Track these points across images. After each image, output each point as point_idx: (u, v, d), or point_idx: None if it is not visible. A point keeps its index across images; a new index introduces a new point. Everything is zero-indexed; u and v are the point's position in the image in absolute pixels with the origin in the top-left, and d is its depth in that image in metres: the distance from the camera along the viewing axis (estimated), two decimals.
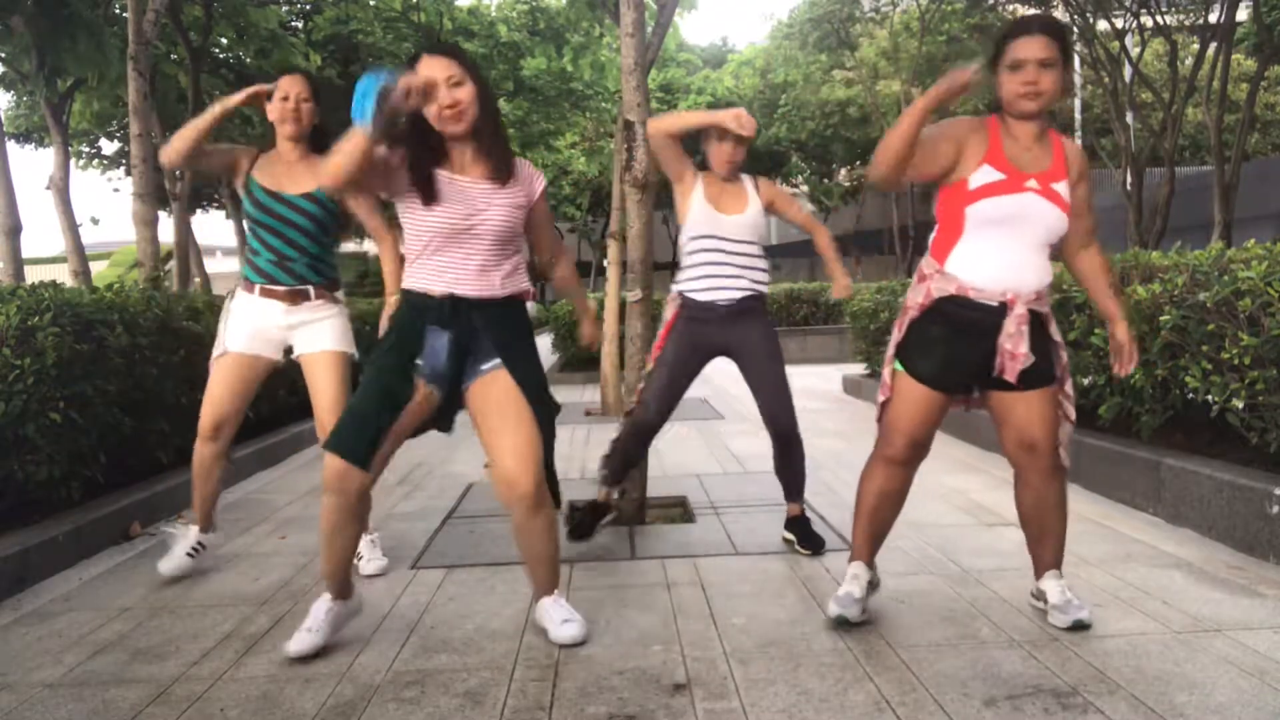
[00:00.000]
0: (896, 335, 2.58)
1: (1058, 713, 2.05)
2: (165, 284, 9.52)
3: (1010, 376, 2.45)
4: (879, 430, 2.63)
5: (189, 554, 3.32)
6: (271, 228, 3.20)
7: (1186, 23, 18.19)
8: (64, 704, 2.26)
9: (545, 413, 2.53)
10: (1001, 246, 2.43)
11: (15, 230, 11.84)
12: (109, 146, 23.03)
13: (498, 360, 2.49)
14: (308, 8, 17.64)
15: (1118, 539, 3.45)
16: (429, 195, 2.41)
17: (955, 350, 2.48)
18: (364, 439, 2.40)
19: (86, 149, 23.05)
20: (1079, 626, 2.50)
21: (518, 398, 2.48)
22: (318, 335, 3.26)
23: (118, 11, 13.39)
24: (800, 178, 34.01)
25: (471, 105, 2.41)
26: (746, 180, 3.53)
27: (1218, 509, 3.35)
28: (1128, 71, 16.14)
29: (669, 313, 3.50)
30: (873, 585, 2.68)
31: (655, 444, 3.65)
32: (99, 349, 3.92)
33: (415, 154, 2.43)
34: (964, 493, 4.32)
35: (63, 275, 8.34)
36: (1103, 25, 16.20)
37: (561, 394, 9.28)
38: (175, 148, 3.08)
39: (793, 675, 2.29)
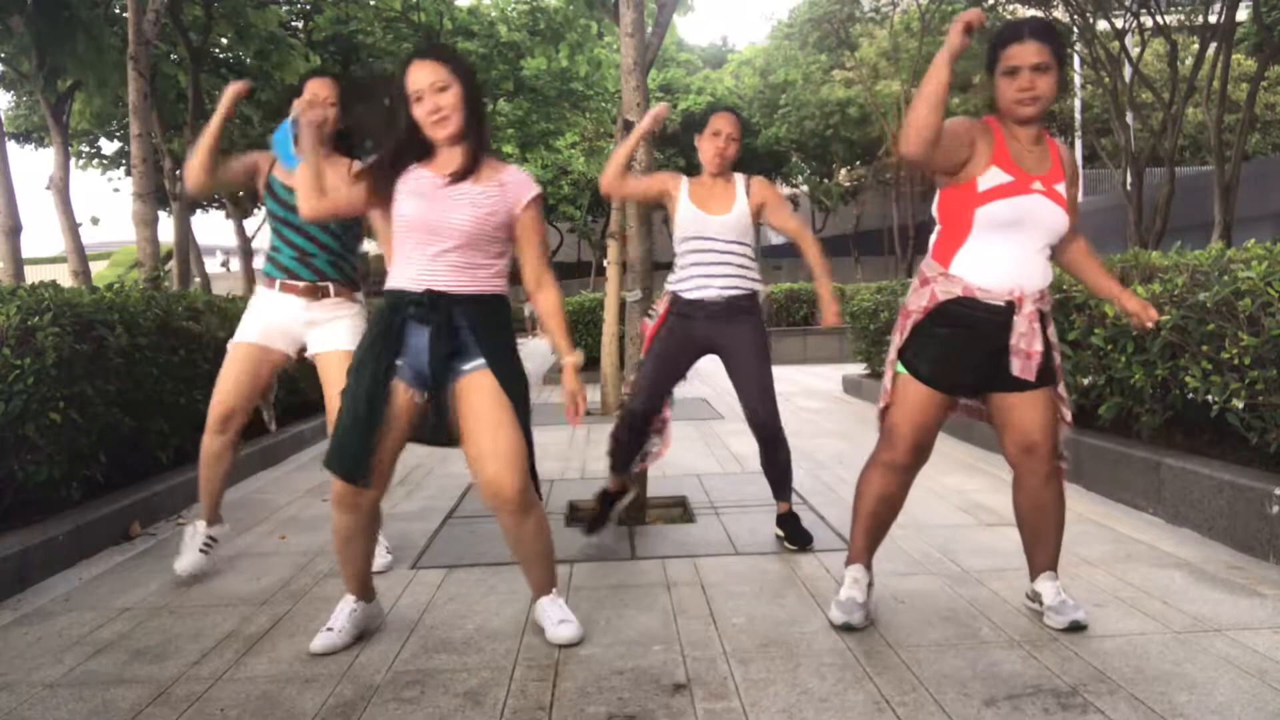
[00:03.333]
0: (898, 339, 2.57)
1: (1058, 713, 2.05)
2: (165, 284, 9.52)
3: (1030, 375, 2.45)
4: (880, 434, 2.62)
5: (202, 550, 3.31)
6: (293, 224, 3.22)
7: (1186, 23, 18.19)
8: (64, 704, 2.26)
9: (523, 417, 2.49)
10: (1008, 247, 2.44)
11: (15, 230, 11.85)
12: (109, 146, 23.05)
13: (481, 360, 2.45)
14: (308, 8, 17.64)
15: (1118, 539, 3.45)
16: (390, 183, 2.46)
17: (961, 351, 2.48)
18: (359, 452, 2.40)
19: (86, 149, 23.05)
20: (1075, 628, 2.50)
21: (500, 399, 2.43)
22: (333, 334, 3.27)
23: (118, 11, 13.40)
24: (800, 178, 34.03)
25: (456, 111, 2.41)
26: (739, 180, 3.51)
27: (1218, 509, 3.35)
28: (1128, 71, 16.14)
29: (660, 308, 3.52)
30: (870, 586, 2.68)
31: None
32: (99, 349, 3.92)
33: (399, 152, 2.46)
34: (964, 493, 4.32)
35: (63, 275, 8.34)
36: (1103, 25, 16.20)
37: (558, 394, 9.27)
38: (194, 174, 3.11)
39: (793, 675, 2.29)
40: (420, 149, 2.48)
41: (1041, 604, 2.60)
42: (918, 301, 2.52)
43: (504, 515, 2.47)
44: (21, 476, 3.50)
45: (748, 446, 5.83)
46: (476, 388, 2.43)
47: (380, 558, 3.31)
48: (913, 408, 2.52)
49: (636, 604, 2.88)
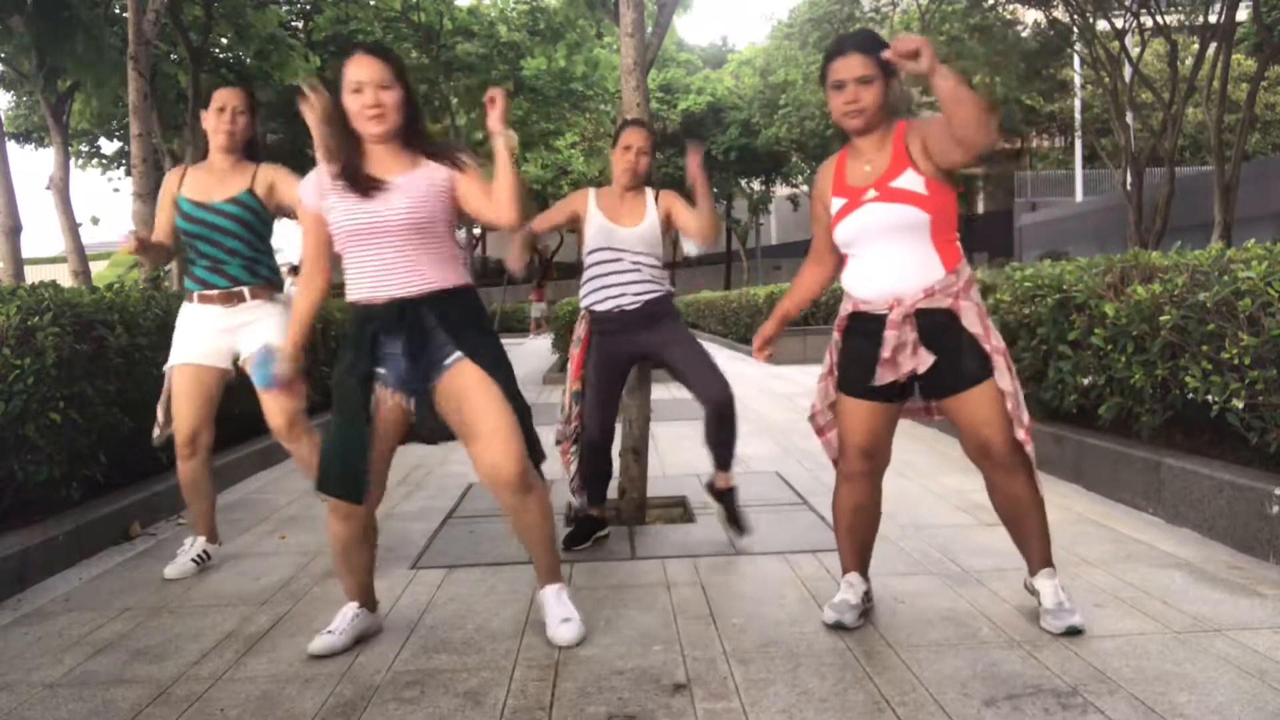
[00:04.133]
0: (829, 357, 2.67)
1: (1058, 713, 2.05)
2: (165, 284, 9.53)
3: (880, 381, 2.47)
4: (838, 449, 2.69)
5: (195, 561, 3.36)
6: (203, 236, 3.27)
7: (1186, 23, 18.20)
8: (64, 704, 2.26)
9: (518, 411, 2.49)
10: (874, 258, 2.50)
11: (15, 230, 11.85)
12: (109, 146, 23.05)
13: (458, 353, 2.44)
14: (307, 8, 17.64)
15: (1118, 539, 3.45)
16: (320, 193, 2.45)
17: (869, 361, 2.51)
18: (350, 471, 2.42)
19: (86, 149, 23.05)
20: (1072, 632, 2.49)
21: (486, 383, 2.43)
22: (259, 334, 3.29)
23: (117, 11, 13.40)
24: (800, 177, 34.02)
25: (395, 111, 2.43)
26: (648, 193, 3.53)
27: (1218, 509, 3.35)
28: (1128, 71, 16.15)
29: (580, 331, 3.52)
30: (868, 594, 2.69)
31: (655, 444, 3.66)
32: (99, 349, 3.92)
33: (346, 150, 2.46)
34: (964, 493, 4.32)
35: (63, 275, 8.34)
36: (1103, 25, 16.21)
37: (559, 394, 9.26)
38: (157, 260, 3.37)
39: (793, 675, 2.29)
40: (350, 144, 2.47)
41: (1040, 602, 2.60)
42: (837, 320, 2.65)
43: (505, 497, 2.47)
44: (21, 476, 3.50)
45: (748, 447, 5.83)
46: (461, 378, 2.43)
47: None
48: (851, 419, 2.60)
49: (636, 604, 2.88)
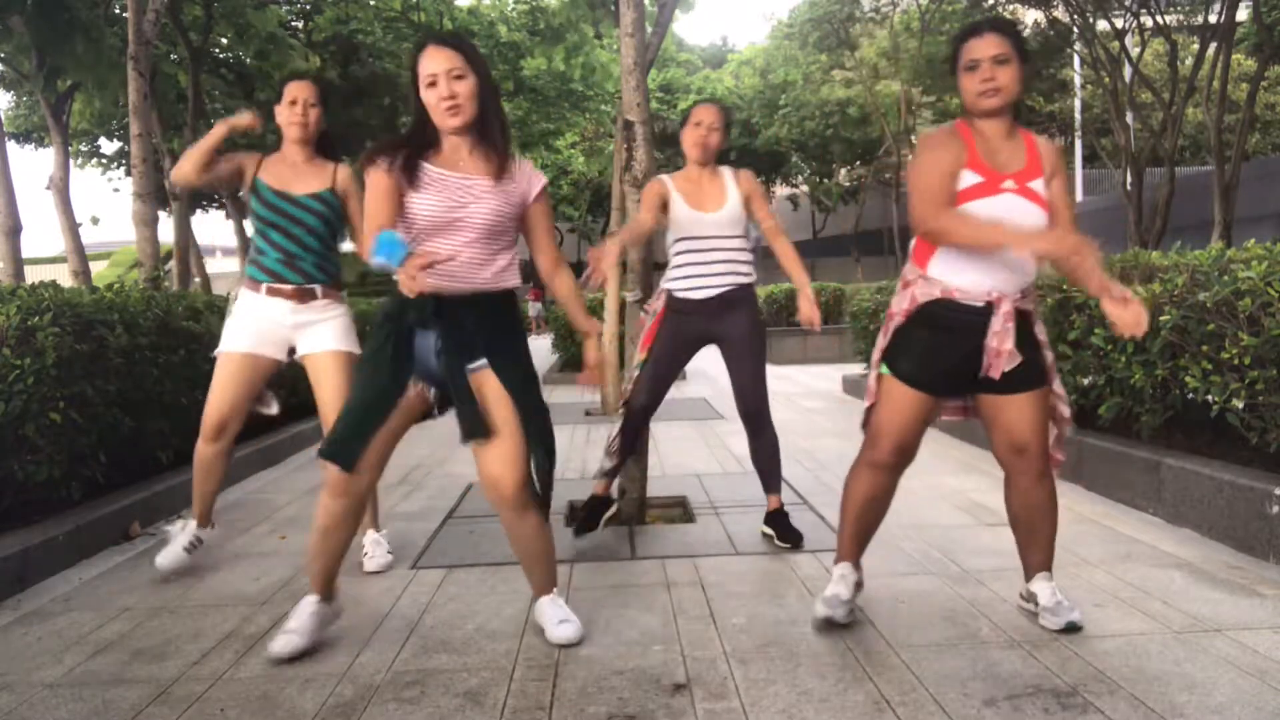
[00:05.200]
0: (882, 340, 2.60)
1: (1058, 713, 2.05)
2: (165, 284, 9.53)
3: (995, 374, 2.44)
4: (866, 435, 2.64)
5: (186, 549, 3.33)
6: (280, 227, 3.22)
7: (1186, 23, 18.20)
8: (64, 704, 2.26)
9: (536, 412, 2.49)
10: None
11: (15, 230, 11.85)
12: (109, 146, 23.05)
13: (484, 361, 2.45)
14: (307, 8, 17.64)
15: (1118, 539, 3.45)
16: (411, 181, 2.38)
17: (941, 352, 2.49)
18: (359, 444, 2.42)
19: (86, 149, 23.05)
20: (1071, 629, 2.49)
21: (504, 400, 2.44)
22: (323, 335, 3.27)
23: (117, 12, 13.39)
24: (800, 177, 34.03)
25: (470, 101, 2.38)
26: (726, 172, 3.53)
27: (1218, 509, 3.35)
28: (1128, 71, 16.14)
29: (657, 306, 3.57)
30: (859, 585, 2.68)
31: (655, 444, 3.67)
32: (99, 349, 3.92)
33: (413, 142, 2.42)
34: (964, 493, 4.31)
35: (63, 275, 8.34)
36: (1103, 25, 16.20)
37: (561, 394, 9.28)
38: (184, 168, 3.14)
39: (793, 675, 2.29)
40: (427, 138, 2.43)
41: (1036, 605, 2.60)
42: (899, 304, 2.55)
43: (504, 512, 2.49)
44: (21, 476, 3.50)
45: (747, 446, 5.83)
46: (482, 389, 2.44)
47: (379, 558, 3.32)
48: (896, 408, 2.54)
49: (636, 604, 2.88)
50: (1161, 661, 2.31)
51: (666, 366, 3.53)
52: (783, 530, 3.48)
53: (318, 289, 3.26)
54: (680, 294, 3.47)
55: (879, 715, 2.07)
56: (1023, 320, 2.48)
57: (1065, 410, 2.58)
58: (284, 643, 2.49)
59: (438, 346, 2.42)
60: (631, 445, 3.64)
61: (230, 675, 2.41)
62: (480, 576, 3.21)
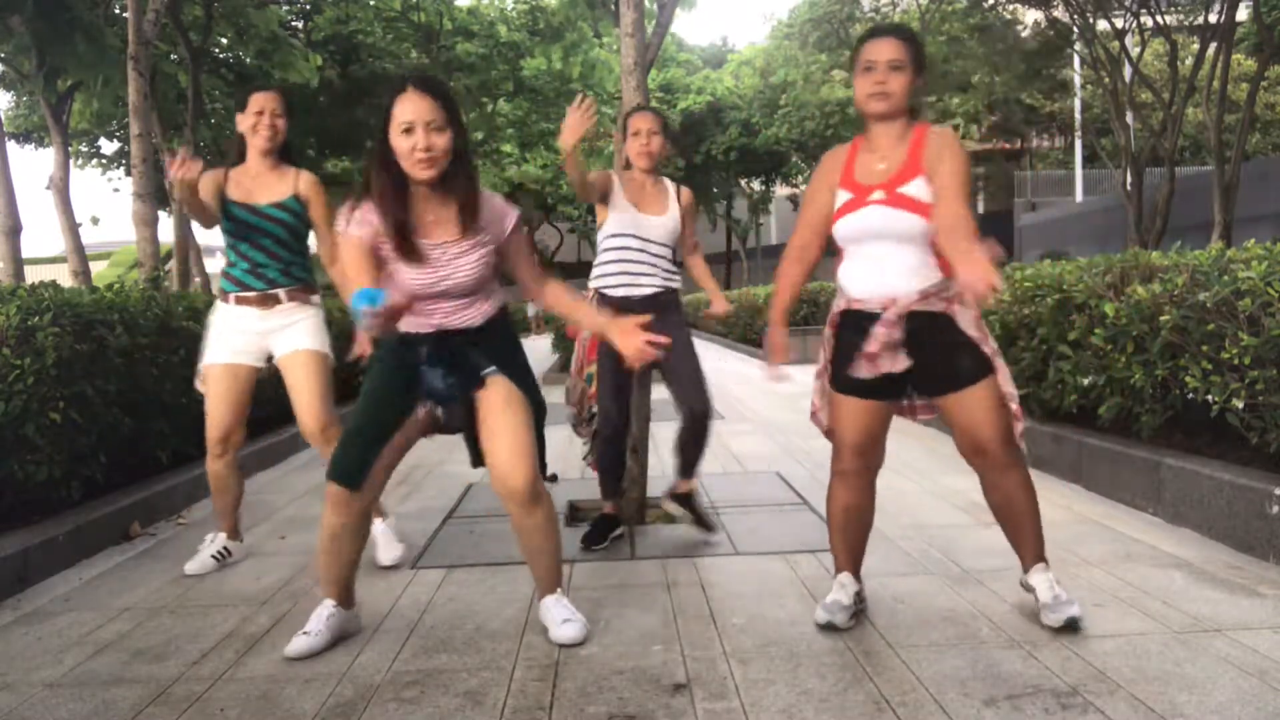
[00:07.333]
0: (823, 354, 2.66)
1: (1058, 713, 2.05)
2: (165, 284, 9.53)
3: (857, 373, 2.47)
4: (832, 445, 2.68)
5: (215, 557, 3.39)
6: (247, 238, 3.29)
7: (1186, 23, 18.20)
8: (64, 704, 2.26)
9: (538, 414, 2.60)
10: (871, 257, 2.50)
11: (15, 230, 11.86)
12: (109, 146, 23.04)
13: (493, 367, 2.53)
14: (307, 8, 17.64)
15: (1118, 539, 3.45)
16: (411, 258, 2.39)
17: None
18: (364, 465, 2.47)
19: (86, 149, 23.05)
20: (1071, 624, 2.49)
21: (517, 399, 2.53)
22: (293, 337, 3.32)
23: (118, 12, 13.40)
24: (800, 178, 34.02)
25: (445, 156, 2.34)
26: (669, 184, 3.56)
27: (1218, 509, 3.35)
28: (1128, 71, 16.15)
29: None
30: (860, 595, 2.68)
31: (655, 444, 3.66)
32: (99, 349, 3.92)
33: (390, 211, 2.36)
34: (964, 493, 4.31)
35: (63, 275, 8.34)
36: (1103, 25, 16.21)
37: (560, 394, 9.27)
38: (206, 223, 3.27)
39: (793, 675, 2.29)
40: (397, 184, 2.37)
41: (1036, 597, 2.60)
42: (830, 316, 2.65)
43: (513, 507, 2.51)
44: (21, 476, 3.50)
45: (748, 446, 5.83)
46: (494, 391, 2.52)
47: (392, 550, 3.36)
48: (844, 416, 2.60)
49: (636, 604, 2.88)
50: (1161, 661, 2.31)
51: (617, 375, 3.49)
52: (698, 515, 3.56)
53: (281, 293, 3.31)
54: (611, 292, 3.46)
55: (879, 715, 2.07)
56: (943, 319, 2.47)
57: (1015, 406, 2.53)
58: (299, 644, 2.51)
59: (444, 374, 2.49)
60: (618, 471, 3.64)
61: (230, 675, 2.41)
62: (480, 576, 3.21)
